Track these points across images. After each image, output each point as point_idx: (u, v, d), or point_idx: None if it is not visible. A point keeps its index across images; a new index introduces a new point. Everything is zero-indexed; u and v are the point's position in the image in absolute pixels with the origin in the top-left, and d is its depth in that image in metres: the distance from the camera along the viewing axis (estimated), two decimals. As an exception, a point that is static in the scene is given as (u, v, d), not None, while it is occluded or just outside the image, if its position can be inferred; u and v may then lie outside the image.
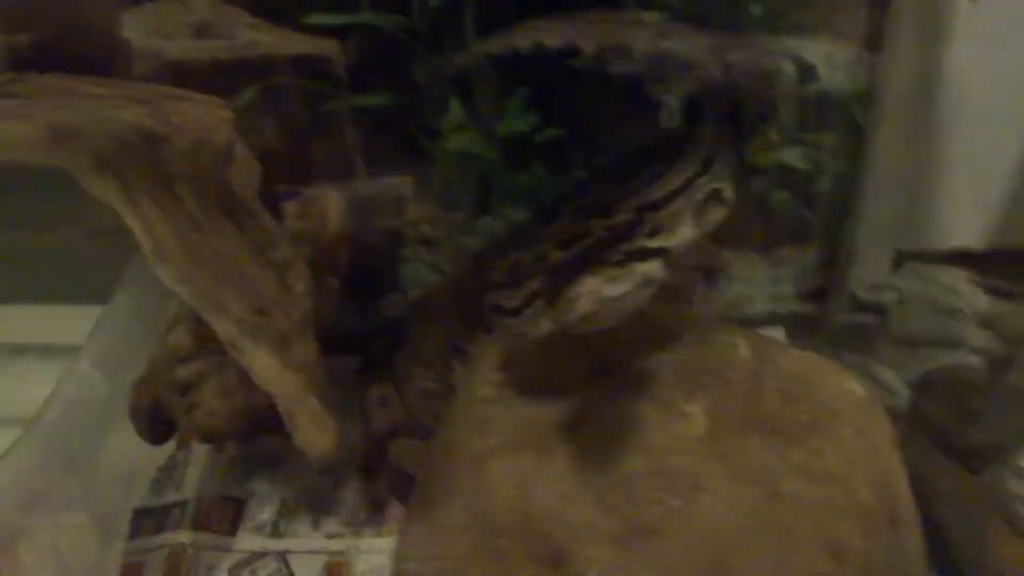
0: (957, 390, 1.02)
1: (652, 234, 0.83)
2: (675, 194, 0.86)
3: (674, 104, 1.08)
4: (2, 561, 0.88)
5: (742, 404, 0.85)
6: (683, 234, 0.85)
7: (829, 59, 1.07)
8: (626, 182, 0.87)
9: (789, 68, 1.07)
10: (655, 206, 0.85)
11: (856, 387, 0.87)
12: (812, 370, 0.89)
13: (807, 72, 1.07)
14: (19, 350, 1.31)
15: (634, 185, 0.87)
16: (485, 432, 0.86)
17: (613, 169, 0.95)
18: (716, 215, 0.88)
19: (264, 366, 0.83)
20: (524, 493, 0.80)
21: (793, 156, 1.11)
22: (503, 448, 0.84)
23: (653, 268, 0.76)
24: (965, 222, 1.27)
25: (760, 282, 1.21)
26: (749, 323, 1.20)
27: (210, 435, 0.92)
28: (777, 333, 1.18)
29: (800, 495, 0.78)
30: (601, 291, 0.72)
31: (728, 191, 0.89)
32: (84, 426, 0.95)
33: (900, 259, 1.29)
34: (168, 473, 1.10)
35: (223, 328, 0.83)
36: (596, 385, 0.88)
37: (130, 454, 1.04)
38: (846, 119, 1.10)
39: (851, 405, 0.86)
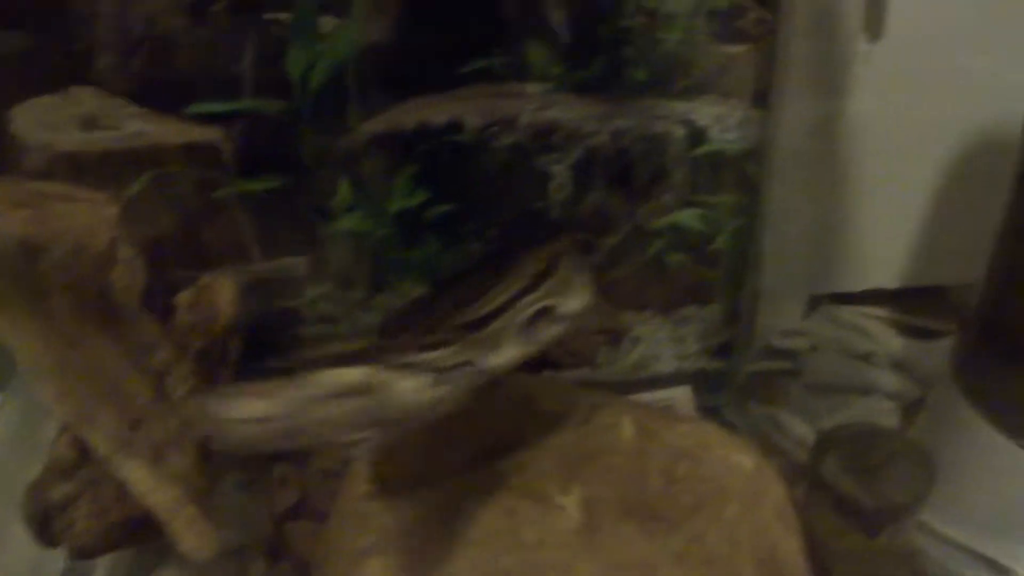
0: (856, 449, 1.02)
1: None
2: (495, 313, 0.83)
3: (564, 174, 1.09)
4: None
5: (622, 490, 0.85)
6: (506, 354, 0.82)
7: (718, 119, 1.08)
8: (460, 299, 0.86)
9: (678, 131, 1.08)
10: (476, 325, 0.82)
11: (745, 459, 0.88)
12: (700, 445, 0.89)
13: (697, 134, 1.08)
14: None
15: (458, 303, 0.86)
16: (362, 530, 0.86)
17: (455, 283, 0.95)
18: (551, 331, 0.84)
19: (139, 479, 0.84)
20: (395, 603, 0.79)
21: (688, 217, 1.12)
22: (378, 548, 0.83)
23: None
24: (877, 262, 1.29)
25: (664, 341, 1.21)
26: (656, 383, 1.21)
27: (84, 552, 0.92)
28: (684, 392, 1.19)
29: (679, 582, 0.77)
30: None
31: (568, 306, 0.86)
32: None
33: (814, 304, 1.30)
34: (75, 567, 1.09)
35: (98, 442, 0.83)
36: (475, 475, 0.88)
37: (37, 548, 1.03)
38: (740, 177, 1.11)
39: (739, 479, 0.86)
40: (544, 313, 0.84)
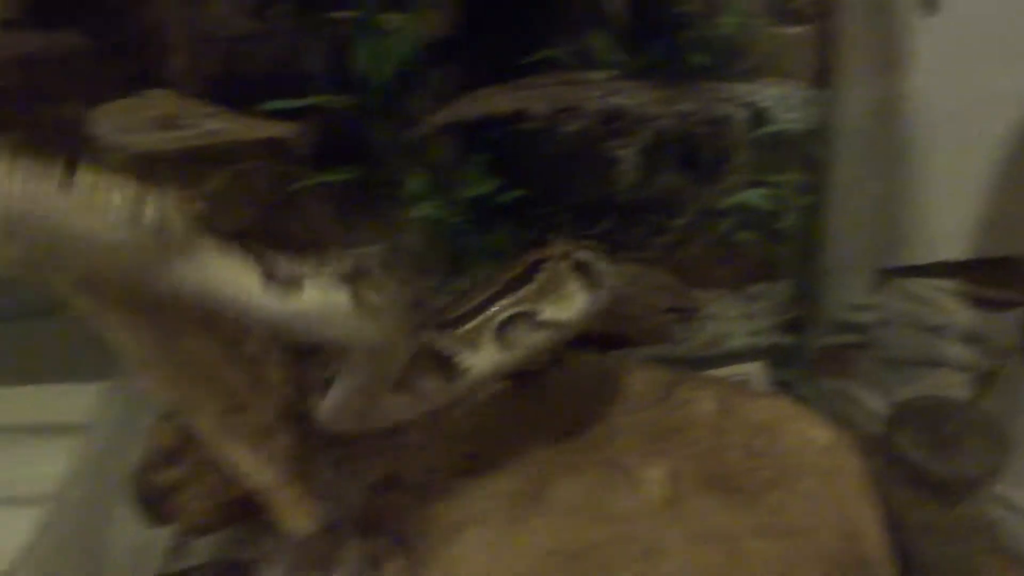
0: (930, 421, 1.03)
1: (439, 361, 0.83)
2: (470, 314, 0.84)
3: (631, 158, 1.11)
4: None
5: (703, 463, 0.87)
6: (486, 355, 0.83)
7: (780, 100, 1.10)
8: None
9: (741, 113, 1.09)
10: (453, 324, 0.84)
11: (821, 433, 0.89)
12: (777, 419, 0.90)
13: (759, 115, 1.09)
14: (26, 430, 1.35)
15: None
16: (460, 503, 0.89)
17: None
18: (534, 338, 0.84)
19: (242, 461, 0.88)
20: (495, 563, 0.83)
21: (754, 196, 1.13)
22: (473, 520, 0.87)
23: None
24: (945, 235, 1.28)
25: (736, 318, 1.23)
26: (728, 359, 1.22)
27: (198, 530, 0.96)
28: (757, 368, 1.20)
29: (761, 552, 0.80)
30: None
31: (550, 313, 0.84)
32: (96, 508, 1.00)
33: (883, 278, 1.30)
34: (181, 542, 1.14)
35: (202, 427, 0.87)
36: (562, 450, 0.91)
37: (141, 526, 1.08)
38: (804, 155, 1.12)
39: (816, 453, 0.87)
40: (522, 318, 0.84)
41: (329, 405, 0.79)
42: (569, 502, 0.85)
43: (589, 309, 0.85)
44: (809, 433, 0.90)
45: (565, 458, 0.90)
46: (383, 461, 1.06)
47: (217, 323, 0.92)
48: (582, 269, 0.86)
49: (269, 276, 0.64)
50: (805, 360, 1.25)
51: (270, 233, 1.10)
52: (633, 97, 1.08)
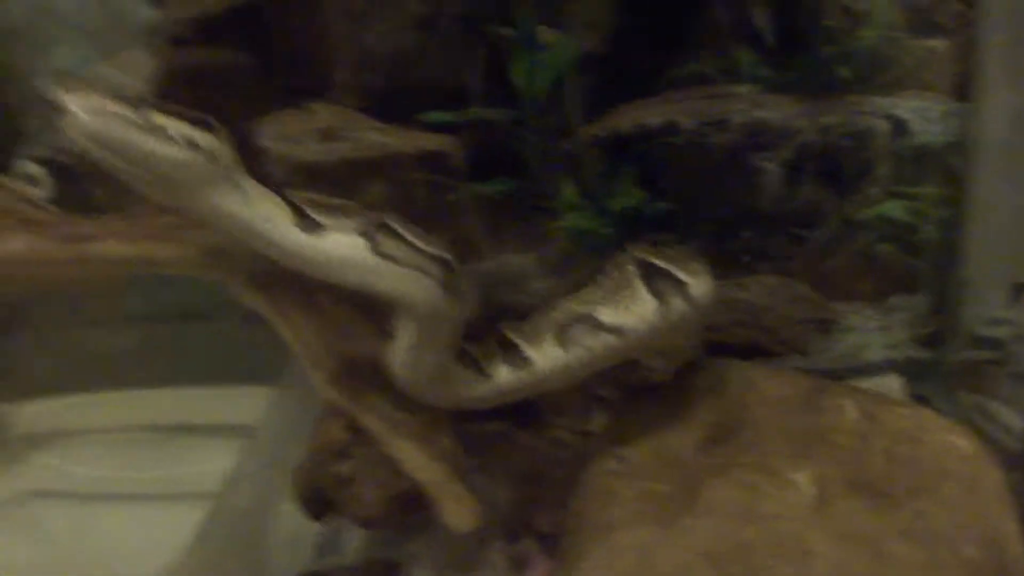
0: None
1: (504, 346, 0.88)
2: (540, 309, 0.89)
3: (774, 170, 1.13)
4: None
5: (848, 468, 0.88)
6: (548, 352, 0.88)
7: (920, 112, 1.11)
8: None
9: (882, 125, 1.11)
10: (524, 316, 0.89)
11: (963, 443, 0.89)
12: (919, 428, 0.91)
13: (900, 128, 1.11)
14: (187, 429, 1.43)
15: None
16: (611, 504, 0.91)
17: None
18: (596, 340, 0.87)
19: (411, 458, 0.92)
20: (647, 563, 0.85)
21: (894, 208, 1.15)
22: (627, 520, 0.89)
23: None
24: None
25: (874, 330, 1.24)
26: (865, 371, 1.23)
27: (369, 521, 1.00)
28: (893, 380, 1.21)
29: (906, 556, 0.81)
30: None
31: (610, 316, 0.87)
32: (260, 504, 1.05)
33: (1018, 292, 1.30)
34: (330, 539, 1.18)
35: (372, 425, 0.92)
36: (709, 455, 0.93)
37: (296, 521, 1.13)
38: (944, 168, 1.13)
39: (958, 461, 0.88)
40: (582, 319, 0.87)
41: (396, 359, 0.85)
42: (719, 504, 0.87)
43: (659, 318, 0.87)
44: (951, 442, 0.91)
45: (714, 461, 0.92)
46: (529, 462, 1.10)
47: (384, 325, 0.97)
48: (653, 275, 0.88)
49: (300, 216, 0.76)
50: (942, 374, 1.26)
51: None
52: (777, 110, 1.11)
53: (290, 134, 1.15)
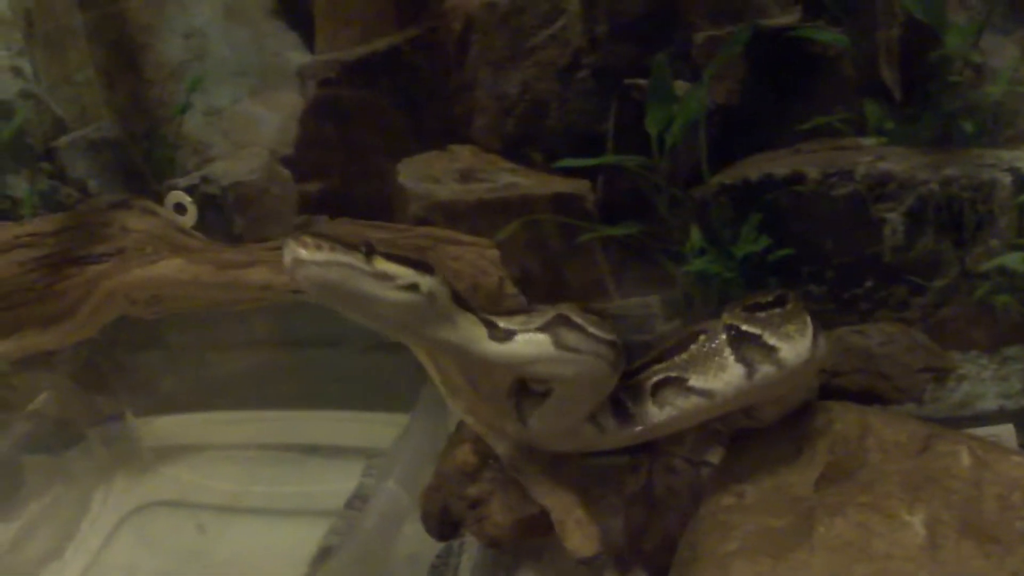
0: None
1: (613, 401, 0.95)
2: (639, 370, 0.96)
3: (897, 220, 1.16)
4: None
5: (961, 512, 0.90)
6: (646, 410, 0.95)
7: (1043, 167, 1.13)
8: None
9: (1005, 178, 1.14)
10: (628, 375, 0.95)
11: None
12: None
13: (1022, 181, 1.13)
14: (311, 450, 1.49)
15: None
16: (728, 537, 0.95)
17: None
18: (688, 402, 0.93)
19: (538, 483, 0.97)
20: (761, 596, 0.88)
21: (1014, 260, 1.17)
22: (744, 553, 0.92)
23: None
24: None
25: (989, 380, 1.25)
26: (979, 420, 1.24)
27: (495, 542, 1.05)
28: (1007, 429, 1.22)
29: (1016, 601, 0.82)
30: None
31: (702, 382, 0.93)
32: (388, 529, 1.10)
33: None
34: (445, 560, 1.23)
35: (503, 451, 0.97)
36: (825, 493, 0.96)
37: (414, 543, 1.18)
38: (1065, 223, 1.15)
39: None
40: (672, 382, 0.93)
41: (539, 417, 0.92)
42: (834, 540, 0.89)
43: (747, 383, 0.92)
44: None
45: (830, 499, 0.95)
46: (644, 492, 1.14)
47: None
48: (744, 342, 0.92)
49: (492, 328, 0.83)
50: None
51: (554, 279, 1.20)
52: (901, 162, 1.14)
53: (431, 174, 1.21)
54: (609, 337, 0.87)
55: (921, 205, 1.16)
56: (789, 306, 0.94)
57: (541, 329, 0.85)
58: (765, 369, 0.91)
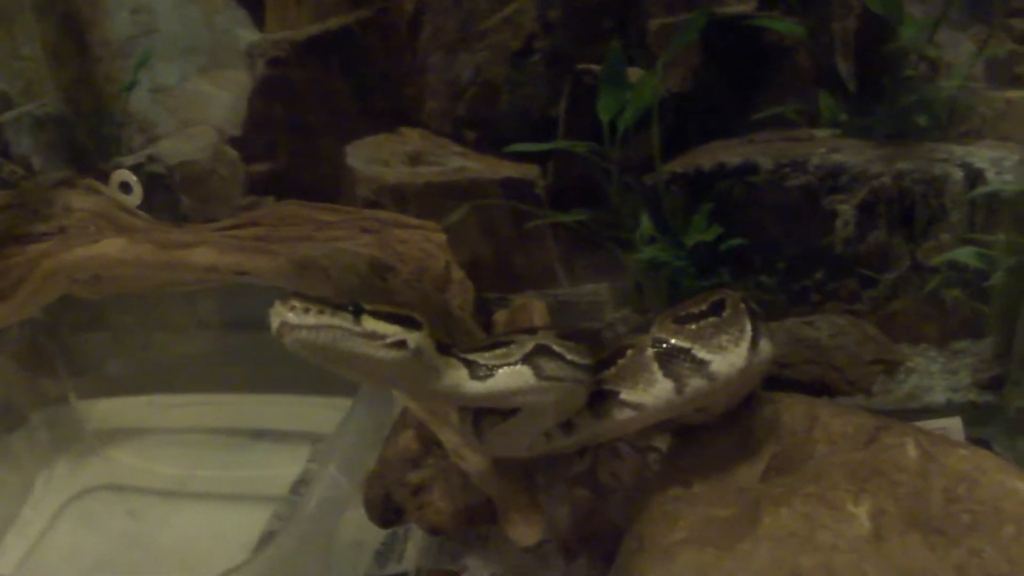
0: None
1: None
2: None
3: (849, 213, 1.16)
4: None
5: (907, 504, 0.89)
6: (584, 420, 0.93)
7: (996, 162, 1.13)
8: None
9: (957, 173, 1.14)
10: None
11: (1020, 485, 0.90)
12: (978, 469, 0.92)
13: (974, 176, 1.13)
14: (258, 434, 1.47)
15: None
16: (674, 527, 0.94)
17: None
18: (623, 414, 0.92)
19: (482, 471, 0.96)
20: (704, 588, 0.87)
21: (965, 255, 1.17)
22: (689, 542, 0.91)
23: None
24: None
25: (937, 373, 1.26)
26: (928, 413, 1.24)
27: (437, 529, 1.04)
28: (955, 423, 1.22)
29: (959, 594, 0.82)
30: None
31: (632, 396, 0.92)
32: (328, 514, 1.09)
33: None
34: (390, 547, 1.22)
35: (446, 437, 0.96)
36: (772, 484, 0.95)
37: (358, 529, 1.16)
38: (1016, 216, 1.15)
39: (1015, 503, 0.88)
40: (606, 395, 0.91)
41: (497, 436, 0.91)
42: (779, 531, 0.88)
43: (676, 397, 0.90)
44: (1009, 484, 0.91)
45: (776, 490, 0.93)
46: (591, 481, 1.13)
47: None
48: (672, 357, 0.91)
49: (472, 368, 0.82)
50: (1004, 419, 1.27)
51: (504, 265, 1.19)
52: (854, 155, 1.13)
53: (380, 156, 1.20)
54: (586, 362, 0.87)
55: (873, 198, 1.16)
56: (726, 313, 0.92)
57: (522, 361, 0.83)
58: (695, 383, 0.90)
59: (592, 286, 1.24)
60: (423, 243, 1.07)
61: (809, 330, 1.21)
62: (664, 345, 0.90)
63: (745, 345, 0.91)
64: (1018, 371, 1.24)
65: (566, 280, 1.24)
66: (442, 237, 1.09)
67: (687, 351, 0.90)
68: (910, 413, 1.25)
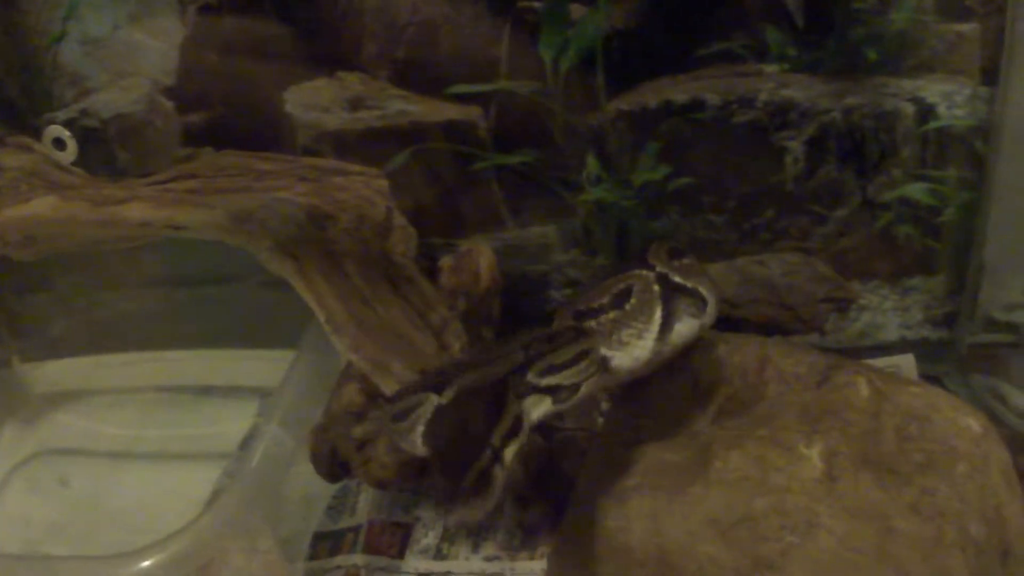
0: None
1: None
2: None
3: (798, 149, 1.14)
4: (204, 581, 1.00)
5: (859, 444, 0.89)
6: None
7: (947, 96, 1.12)
8: None
9: (908, 108, 1.12)
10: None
11: (973, 423, 0.90)
12: (930, 407, 0.92)
13: (925, 111, 1.11)
14: (206, 391, 1.44)
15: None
16: (625, 473, 0.93)
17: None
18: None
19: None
20: (657, 530, 0.87)
21: (916, 191, 1.16)
22: (641, 488, 0.91)
23: None
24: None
25: (890, 311, 1.25)
26: (880, 350, 1.24)
27: (382, 483, 1.02)
28: (908, 360, 1.21)
29: (912, 532, 0.82)
30: None
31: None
32: (273, 470, 1.07)
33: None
34: (341, 501, 1.21)
35: (390, 388, 0.94)
36: (723, 427, 0.94)
37: (307, 483, 1.15)
38: (968, 152, 1.14)
39: (967, 441, 0.89)
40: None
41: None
42: (731, 474, 0.88)
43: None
44: (961, 422, 0.91)
45: (727, 433, 0.93)
46: (545, 430, 1.11)
47: (406, 292, 0.98)
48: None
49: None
50: (956, 356, 1.26)
51: (448, 210, 1.16)
52: (803, 90, 1.11)
53: (319, 103, 1.17)
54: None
55: (823, 134, 1.14)
56: (630, 304, 0.91)
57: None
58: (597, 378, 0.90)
59: (539, 228, 1.22)
60: (363, 190, 1.05)
61: (760, 269, 1.20)
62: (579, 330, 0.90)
63: (651, 337, 0.91)
64: (969, 308, 1.23)
65: (513, 223, 1.21)
66: (384, 183, 1.07)
67: (586, 352, 0.88)
68: (863, 351, 1.25)
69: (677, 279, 0.94)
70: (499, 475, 0.74)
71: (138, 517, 1.30)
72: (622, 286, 0.93)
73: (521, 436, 0.79)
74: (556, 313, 0.92)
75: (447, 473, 0.76)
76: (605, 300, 0.92)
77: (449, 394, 0.82)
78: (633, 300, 0.92)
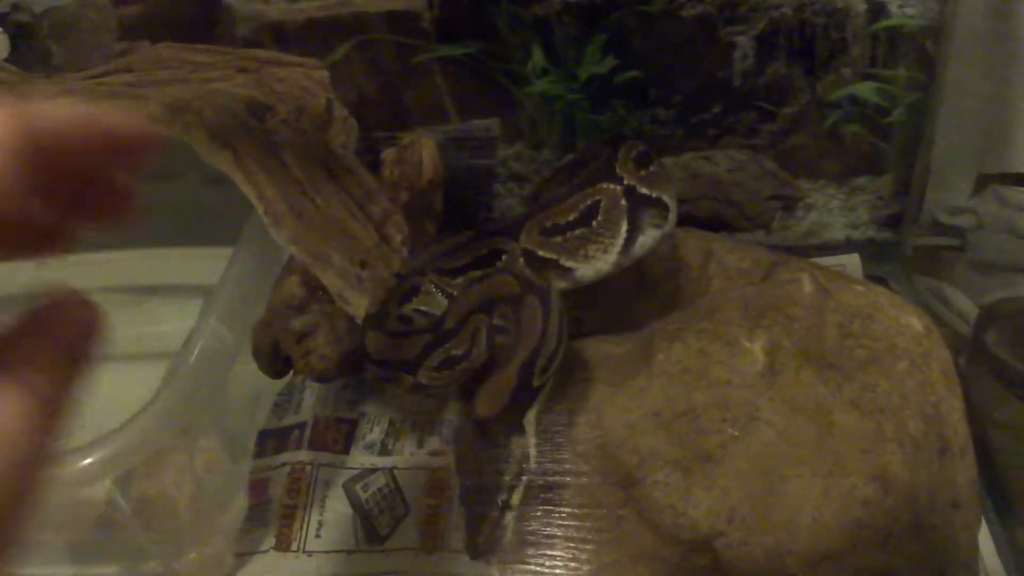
0: (1019, 323, 1.04)
1: None
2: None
3: (747, 44, 1.13)
4: (147, 480, 0.99)
5: (802, 340, 0.89)
6: None
7: (899, -5, 1.10)
8: None
9: (859, 5, 1.10)
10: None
11: (915, 321, 0.90)
12: (873, 305, 0.92)
13: (877, 9, 1.10)
14: (149, 291, 1.42)
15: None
16: (569, 365, 0.92)
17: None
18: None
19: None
20: (599, 422, 0.87)
21: (865, 90, 1.15)
22: (584, 380, 0.90)
23: None
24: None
25: (837, 210, 1.25)
26: (826, 249, 1.24)
27: (323, 376, 1.01)
28: (852, 259, 1.22)
29: (852, 427, 0.83)
30: None
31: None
32: (215, 367, 1.05)
33: (982, 183, 1.31)
34: (287, 398, 1.20)
35: (330, 280, 0.92)
36: (664, 321, 0.94)
37: (253, 382, 1.14)
38: (918, 52, 1.13)
39: (908, 339, 0.89)
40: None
41: None
42: (672, 367, 0.88)
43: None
44: (903, 320, 0.91)
45: (670, 327, 0.93)
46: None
47: (346, 183, 0.96)
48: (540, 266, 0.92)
49: None
50: (901, 256, 1.27)
51: (391, 102, 1.14)
52: (755, -16, 1.09)
53: (257, -7, 1.13)
54: None
55: (773, 29, 1.13)
56: (597, 220, 0.91)
57: None
58: (559, 284, 0.92)
59: (483, 121, 1.20)
60: (303, 81, 1.03)
61: (706, 165, 1.19)
62: (532, 256, 0.91)
63: (615, 251, 0.92)
64: (914, 210, 1.24)
65: (456, 116, 1.20)
66: (324, 74, 1.05)
67: (553, 261, 0.91)
68: (809, 249, 1.25)
69: (643, 190, 0.93)
70: (510, 523, 0.77)
71: (83, 420, 1.27)
72: (589, 202, 0.92)
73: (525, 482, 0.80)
74: (521, 227, 0.92)
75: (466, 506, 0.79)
76: (572, 217, 0.92)
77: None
78: (600, 217, 0.92)
